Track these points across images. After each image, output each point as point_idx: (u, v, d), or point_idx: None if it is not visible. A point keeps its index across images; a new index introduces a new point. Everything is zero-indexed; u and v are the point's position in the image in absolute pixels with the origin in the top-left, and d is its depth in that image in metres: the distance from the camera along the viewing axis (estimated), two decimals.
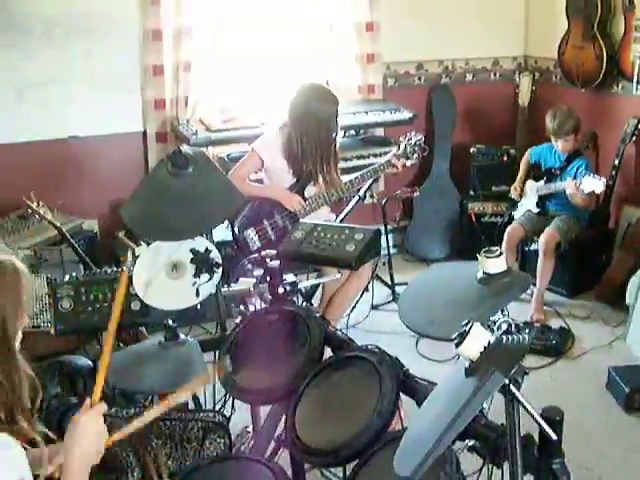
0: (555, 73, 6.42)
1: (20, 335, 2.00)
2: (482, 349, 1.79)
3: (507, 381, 1.76)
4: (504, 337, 1.81)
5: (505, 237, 5.50)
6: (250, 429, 3.72)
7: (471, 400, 1.67)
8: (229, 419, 3.22)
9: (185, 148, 2.99)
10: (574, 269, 5.67)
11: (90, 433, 2.01)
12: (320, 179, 4.76)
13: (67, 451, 1.98)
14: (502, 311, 2.18)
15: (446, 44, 6.48)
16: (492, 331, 1.91)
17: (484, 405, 1.94)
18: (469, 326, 1.80)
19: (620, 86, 5.80)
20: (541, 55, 6.62)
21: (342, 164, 5.38)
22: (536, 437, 1.99)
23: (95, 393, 2.12)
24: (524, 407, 1.81)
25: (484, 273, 2.21)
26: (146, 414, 2.35)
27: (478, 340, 1.80)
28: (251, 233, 4.68)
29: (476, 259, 2.27)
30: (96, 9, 5.33)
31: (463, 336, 1.79)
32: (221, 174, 3.06)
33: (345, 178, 4.93)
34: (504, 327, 1.92)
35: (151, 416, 2.37)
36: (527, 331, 1.81)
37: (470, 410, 1.68)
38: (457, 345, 1.80)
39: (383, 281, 5.68)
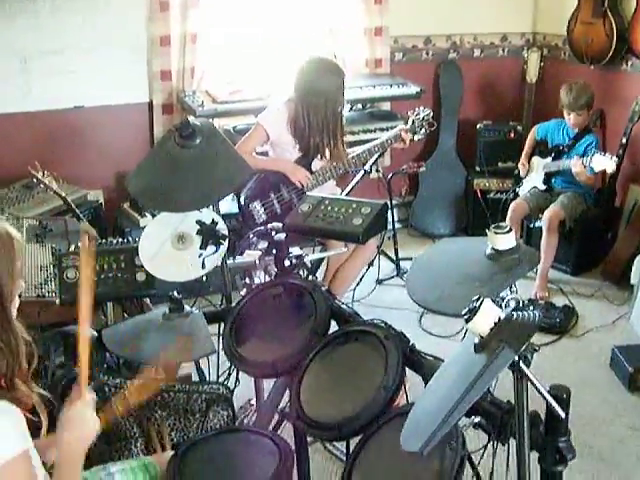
0: (564, 50, 6.37)
1: (17, 301, 1.99)
2: (492, 325, 1.79)
3: (517, 358, 1.75)
4: (514, 313, 1.80)
5: (509, 213, 5.49)
6: (253, 402, 3.72)
7: (480, 376, 1.67)
8: (233, 391, 3.23)
9: (192, 119, 2.97)
10: (579, 247, 5.66)
11: (80, 423, 2.04)
12: (327, 153, 4.73)
13: (59, 442, 2.02)
14: (510, 288, 2.17)
15: (454, 19, 6.43)
16: (501, 308, 1.90)
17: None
18: (480, 302, 1.79)
19: (630, 64, 5.76)
20: (550, 31, 6.57)
21: (349, 138, 5.36)
22: (542, 414, 1.98)
23: (82, 383, 2.11)
24: (533, 384, 1.80)
25: (493, 249, 2.20)
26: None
27: (488, 316, 1.79)
28: (257, 206, 4.66)
29: (481, 235, 2.26)
30: None
31: (473, 312, 1.78)
32: (229, 145, 3.04)
33: (353, 153, 4.90)
34: (512, 304, 1.90)
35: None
36: (532, 308, 1.80)
37: (479, 386, 1.67)
38: (467, 320, 1.79)
39: (388, 256, 5.67)
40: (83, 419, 2.04)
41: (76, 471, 2.02)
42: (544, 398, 1.84)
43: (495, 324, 1.79)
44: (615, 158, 5.07)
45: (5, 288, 1.91)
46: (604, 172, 5.19)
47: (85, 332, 2.17)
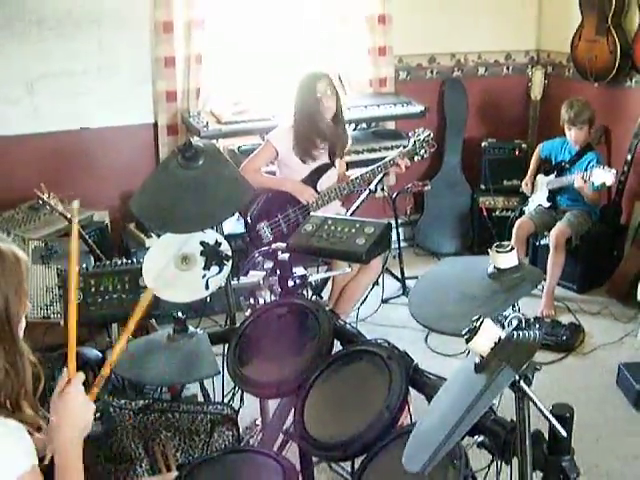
0: (568, 67, 6.39)
1: (24, 322, 2.00)
2: (493, 345, 1.78)
3: (517, 377, 1.74)
4: (515, 333, 1.80)
5: (514, 231, 5.49)
6: (259, 422, 3.72)
7: (481, 396, 1.66)
8: (238, 412, 3.22)
9: (195, 140, 2.98)
10: (585, 264, 5.65)
11: (74, 409, 1.99)
12: (329, 165, 4.78)
13: (55, 432, 1.97)
14: (513, 306, 2.17)
15: (458, 37, 6.46)
16: (503, 326, 1.90)
17: (494, 401, 1.92)
18: (480, 321, 1.79)
19: (634, 81, 5.77)
20: (554, 49, 6.59)
21: (353, 157, 5.40)
22: (545, 433, 1.98)
23: (70, 366, 2.07)
24: (534, 404, 1.79)
25: (495, 268, 2.20)
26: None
27: (489, 336, 1.79)
28: (264, 226, 4.68)
29: (487, 253, 2.26)
30: (107, 1, 5.33)
31: (474, 331, 1.78)
32: (231, 166, 3.05)
33: (355, 172, 4.92)
34: (515, 322, 1.90)
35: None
36: (537, 327, 1.80)
37: (480, 406, 1.67)
38: (468, 340, 1.79)
39: (393, 275, 5.67)
40: (77, 405, 2.00)
41: (77, 462, 1.98)
42: (546, 418, 1.84)
43: (495, 344, 1.78)
44: (614, 170, 5.08)
45: (12, 309, 1.91)
46: (605, 187, 5.18)
47: (73, 303, 2.14)
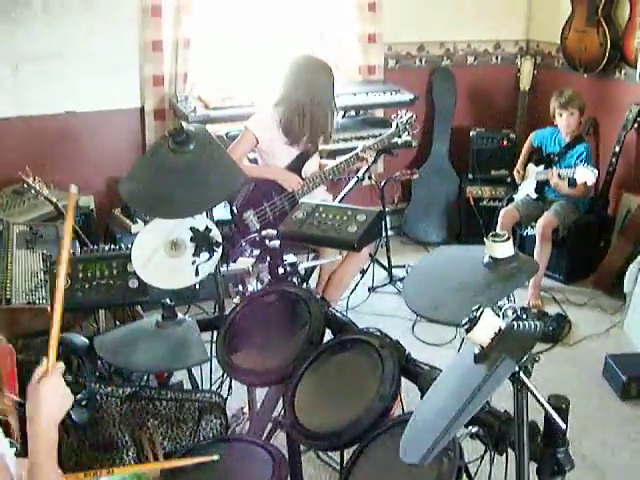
0: (557, 58, 6.37)
1: None
2: (492, 335, 1.76)
3: (517, 368, 1.73)
4: (515, 324, 1.78)
5: (499, 219, 5.49)
6: (246, 410, 3.70)
7: (481, 387, 1.64)
8: (226, 400, 3.20)
9: (186, 125, 2.95)
10: (572, 255, 5.64)
11: (50, 398, 1.93)
12: (315, 150, 4.75)
13: (29, 420, 1.91)
14: (507, 297, 2.15)
15: (448, 26, 6.43)
16: (499, 317, 1.87)
17: None
18: (480, 312, 1.77)
19: (623, 72, 5.75)
20: (543, 39, 6.57)
21: (341, 144, 5.36)
22: (540, 424, 1.97)
23: (50, 354, 2.00)
24: (534, 395, 1.78)
25: (491, 257, 2.18)
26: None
27: (489, 326, 1.76)
28: (251, 215, 4.63)
29: (474, 242, 2.24)
30: None
31: (473, 322, 1.76)
32: (223, 152, 3.02)
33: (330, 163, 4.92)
34: (510, 313, 1.88)
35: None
36: (525, 317, 1.79)
37: (480, 397, 1.65)
38: (467, 331, 1.77)
39: (380, 264, 5.65)
40: (55, 392, 1.95)
41: (52, 451, 1.92)
42: (544, 409, 1.82)
43: (495, 334, 1.76)
44: (596, 171, 5.07)
45: None
46: (587, 186, 5.18)
47: (61, 288, 2.06)
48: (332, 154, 5.22)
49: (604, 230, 5.72)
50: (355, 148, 5.02)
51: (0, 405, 1.90)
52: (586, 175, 5.03)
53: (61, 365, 1.99)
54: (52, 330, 2.02)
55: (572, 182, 5.13)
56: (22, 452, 2.01)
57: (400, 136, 5.00)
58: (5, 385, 1.97)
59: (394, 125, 5.00)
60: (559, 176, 5.17)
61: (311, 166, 4.83)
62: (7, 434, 1.93)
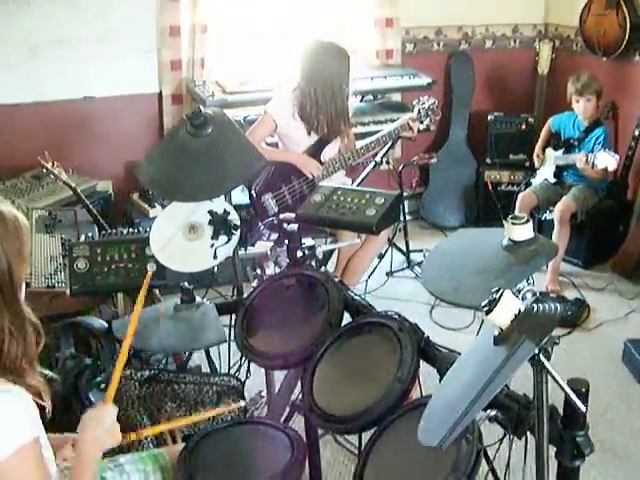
0: (576, 41, 6.32)
1: (24, 287, 1.98)
2: (512, 317, 1.76)
3: (537, 351, 1.72)
4: (535, 306, 1.77)
5: (517, 204, 5.48)
6: (264, 394, 3.70)
7: (501, 369, 1.64)
8: (244, 383, 3.21)
9: (204, 109, 2.94)
10: (590, 240, 5.62)
11: (101, 425, 2.08)
12: (335, 135, 4.72)
13: (79, 440, 2.07)
14: (527, 280, 2.15)
15: (466, 10, 6.39)
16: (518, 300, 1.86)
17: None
18: (499, 294, 1.76)
19: None
20: (562, 23, 6.52)
21: (359, 129, 5.35)
22: (559, 408, 1.96)
23: (109, 393, 2.21)
24: (554, 378, 1.77)
25: (510, 240, 2.17)
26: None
27: (509, 308, 1.76)
28: (269, 198, 4.63)
29: (492, 227, 2.23)
30: None
31: (493, 304, 1.75)
32: (241, 135, 3.01)
33: (360, 143, 4.88)
34: (529, 296, 1.87)
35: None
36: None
37: (499, 379, 1.64)
38: (487, 313, 1.76)
39: (398, 248, 5.64)
40: (104, 422, 2.08)
41: (90, 471, 2.03)
42: (564, 392, 1.81)
43: (515, 316, 1.76)
44: (617, 156, 5.05)
45: (16, 271, 1.89)
46: (607, 171, 5.15)
47: (126, 349, 2.30)
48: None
49: (623, 215, 5.68)
50: (373, 132, 5.01)
51: (34, 381, 1.92)
52: (607, 160, 5.00)
53: (114, 408, 2.15)
54: (116, 372, 2.25)
55: (593, 167, 5.11)
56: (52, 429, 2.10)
57: (422, 122, 4.96)
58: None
59: (416, 111, 4.94)
60: (586, 160, 5.12)
61: (330, 151, 4.80)
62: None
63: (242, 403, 2.69)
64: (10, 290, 1.88)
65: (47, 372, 2.07)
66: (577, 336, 4.78)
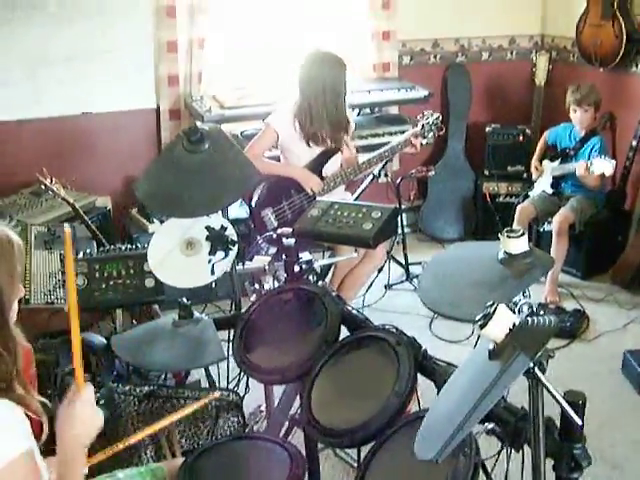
0: (572, 52, 6.34)
1: (16, 307, 1.97)
2: (507, 331, 1.76)
3: (532, 364, 1.72)
4: (529, 319, 1.78)
5: (516, 216, 5.49)
6: (263, 408, 3.71)
7: (495, 383, 1.64)
8: (243, 398, 3.21)
9: (200, 124, 2.96)
10: (589, 250, 5.63)
11: (78, 421, 1.96)
12: (335, 145, 4.73)
13: (58, 441, 1.96)
14: (523, 293, 2.15)
15: (462, 22, 6.41)
16: (514, 313, 1.87)
17: None
18: (494, 307, 1.77)
19: (639, 66, 5.72)
20: (558, 34, 6.54)
21: (357, 142, 5.35)
22: (556, 420, 1.96)
23: (78, 376, 2.04)
24: (549, 391, 1.77)
25: (506, 253, 2.18)
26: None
27: (503, 322, 1.76)
28: (269, 213, 4.64)
29: (490, 239, 2.23)
30: None
31: (488, 317, 1.76)
32: (237, 150, 3.02)
33: (360, 157, 4.88)
34: (525, 309, 1.88)
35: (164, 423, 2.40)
36: (542, 313, 1.78)
37: (494, 393, 1.65)
38: (481, 326, 1.76)
39: (397, 261, 5.64)
40: (82, 416, 1.97)
41: (78, 469, 1.97)
42: (560, 405, 1.81)
43: (510, 330, 1.76)
44: (613, 161, 5.06)
45: (5, 294, 1.89)
46: (604, 177, 5.16)
47: (76, 325, 2.07)
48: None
49: (621, 225, 5.69)
50: (370, 145, 5.02)
51: (27, 403, 1.92)
52: (604, 166, 5.02)
53: (90, 387, 2.01)
54: (75, 354, 2.04)
55: (591, 173, 5.12)
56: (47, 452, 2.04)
57: (425, 136, 4.95)
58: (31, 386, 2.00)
59: (419, 125, 4.94)
60: (586, 167, 5.12)
61: (332, 166, 4.81)
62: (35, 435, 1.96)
63: (217, 394, 2.67)
64: None
65: (42, 399, 2.06)
66: (576, 347, 4.78)
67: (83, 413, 1.97)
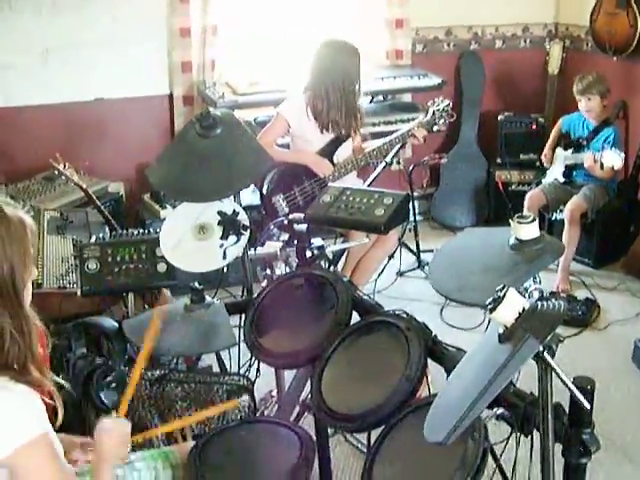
0: (586, 41, 6.31)
1: (30, 288, 1.99)
2: (517, 315, 1.77)
3: (541, 348, 1.73)
4: (539, 303, 1.78)
5: (525, 202, 5.47)
6: (274, 393, 3.72)
7: (505, 366, 1.65)
8: (254, 383, 3.22)
9: (213, 110, 2.96)
10: (601, 239, 5.61)
11: (119, 434, 2.13)
12: (347, 132, 4.73)
13: (100, 446, 2.10)
14: (534, 279, 2.15)
15: (476, 10, 6.39)
16: (524, 298, 1.87)
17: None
18: (504, 291, 1.77)
19: None
20: (572, 22, 6.51)
21: (369, 129, 5.36)
22: (565, 406, 1.97)
23: (122, 407, 2.26)
24: (558, 375, 1.78)
25: (516, 239, 2.18)
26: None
27: (513, 306, 1.77)
28: (280, 199, 4.64)
29: (502, 227, 2.24)
30: None
31: (498, 302, 1.76)
32: (250, 136, 3.04)
33: (373, 144, 4.89)
34: (536, 294, 1.88)
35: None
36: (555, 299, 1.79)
37: (504, 377, 1.66)
38: (491, 310, 1.77)
39: (409, 248, 5.64)
40: (122, 432, 2.13)
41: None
42: (569, 389, 1.82)
43: (520, 314, 1.77)
44: (622, 155, 5.03)
45: (17, 275, 1.90)
46: (614, 169, 5.14)
47: (141, 365, 2.38)
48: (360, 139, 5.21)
49: (634, 214, 5.67)
50: (383, 132, 5.01)
51: (42, 385, 1.95)
52: (613, 158, 5.00)
53: (127, 423, 2.19)
54: (129, 387, 2.32)
55: (600, 165, 5.11)
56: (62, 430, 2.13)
57: (436, 123, 4.94)
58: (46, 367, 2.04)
59: (430, 112, 4.93)
60: (594, 160, 5.12)
61: (344, 152, 4.82)
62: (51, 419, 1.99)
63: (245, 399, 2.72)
64: (12, 293, 1.90)
65: (58, 380, 2.10)
66: (588, 336, 4.77)
67: (123, 429, 2.16)
